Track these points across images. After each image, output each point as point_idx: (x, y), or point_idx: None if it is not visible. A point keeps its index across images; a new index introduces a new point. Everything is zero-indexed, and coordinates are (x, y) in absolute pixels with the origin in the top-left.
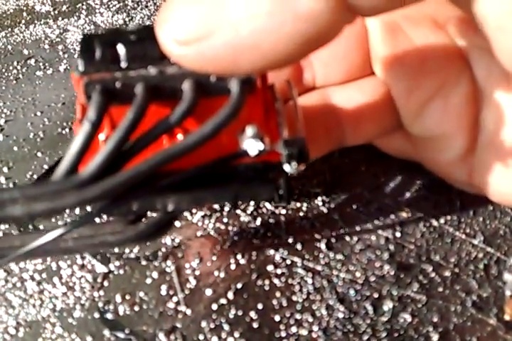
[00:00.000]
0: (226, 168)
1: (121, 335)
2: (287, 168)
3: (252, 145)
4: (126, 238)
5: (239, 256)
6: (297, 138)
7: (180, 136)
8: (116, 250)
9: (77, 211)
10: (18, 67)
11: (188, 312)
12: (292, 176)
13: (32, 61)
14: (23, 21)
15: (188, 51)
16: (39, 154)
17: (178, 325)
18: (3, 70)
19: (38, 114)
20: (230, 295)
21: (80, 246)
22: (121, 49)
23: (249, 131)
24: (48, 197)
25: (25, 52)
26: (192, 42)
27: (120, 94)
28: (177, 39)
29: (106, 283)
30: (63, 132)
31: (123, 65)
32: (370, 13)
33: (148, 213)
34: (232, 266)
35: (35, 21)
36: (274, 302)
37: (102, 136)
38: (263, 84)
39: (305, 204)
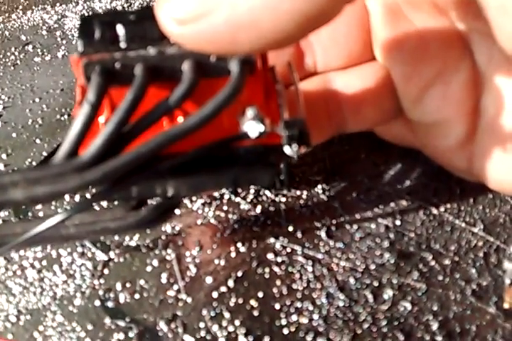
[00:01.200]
0: (226, 151)
1: (121, 323)
2: (288, 150)
3: (252, 127)
4: (128, 224)
5: (239, 244)
6: (297, 119)
7: (180, 119)
8: (116, 238)
9: (78, 197)
10: (16, 53)
11: (189, 300)
12: (293, 163)
13: (30, 47)
14: (21, 7)
15: (186, 30)
16: (38, 141)
17: (179, 313)
18: (1, 56)
19: (37, 100)
20: (231, 283)
21: (81, 232)
22: (120, 29)
23: (250, 112)
24: (49, 180)
25: (23, 38)
26: (191, 20)
27: (120, 75)
28: (176, 18)
29: (106, 271)
30: (62, 118)
31: (122, 45)
32: None
33: (150, 200)
34: (233, 254)
35: (33, 7)
36: (275, 290)
37: (102, 119)
38: (263, 65)
39: (305, 192)
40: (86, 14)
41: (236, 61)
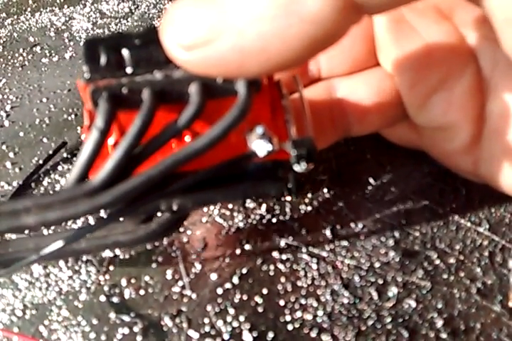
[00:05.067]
0: (235, 168)
1: (126, 318)
2: (297, 167)
3: (260, 146)
4: (138, 238)
5: (244, 242)
6: (305, 138)
7: (188, 138)
8: None
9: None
10: (24, 54)
11: (194, 296)
12: None
13: (38, 48)
14: (29, 9)
15: (193, 56)
16: (45, 140)
17: (184, 309)
18: (9, 57)
19: (44, 100)
20: (235, 279)
21: (93, 246)
22: (126, 54)
23: (258, 131)
24: (60, 205)
25: (31, 39)
26: (197, 46)
27: (127, 100)
28: (182, 44)
29: (111, 267)
30: (69, 118)
31: (128, 70)
32: (377, 12)
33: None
34: (237, 252)
35: (41, 9)
36: (279, 287)
37: (111, 141)
38: (269, 81)
39: (310, 191)
40: (91, 38)
41: (242, 82)
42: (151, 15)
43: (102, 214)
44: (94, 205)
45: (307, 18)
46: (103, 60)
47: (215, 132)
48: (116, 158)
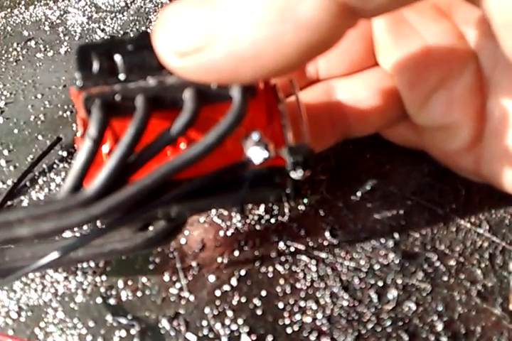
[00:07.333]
0: (231, 176)
1: (123, 321)
2: (293, 174)
3: (256, 153)
4: (135, 245)
5: (242, 243)
6: (301, 144)
7: (183, 145)
8: None
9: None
10: (18, 49)
11: (191, 298)
12: None
13: (32, 43)
14: (23, 2)
15: (186, 62)
16: (40, 137)
17: (181, 311)
18: (3, 52)
19: (39, 96)
20: (234, 281)
21: (90, 255)
22: (118, 60)
23: (254, 137)
24: (55, 216)
25: (25, 33)
26: (190, 53)
27: (121, 107)
28: (175, 50)
29: (108, 269)
30: (64, 115)
31: (121, 76)
32: (373, 16)
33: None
34: (236, 253)
35: (35, 2)
36: (278, 289)
37: (105, 149)
38: (265, 85)
39: (309, 192)
40: (83, 44)
41: (237, 87)
42: (147, 9)
43: (99, 223)
44: (89, 215)
45: (302, 24)
46: (95, 66)
47: (210, 139)
48: (110, 167)
